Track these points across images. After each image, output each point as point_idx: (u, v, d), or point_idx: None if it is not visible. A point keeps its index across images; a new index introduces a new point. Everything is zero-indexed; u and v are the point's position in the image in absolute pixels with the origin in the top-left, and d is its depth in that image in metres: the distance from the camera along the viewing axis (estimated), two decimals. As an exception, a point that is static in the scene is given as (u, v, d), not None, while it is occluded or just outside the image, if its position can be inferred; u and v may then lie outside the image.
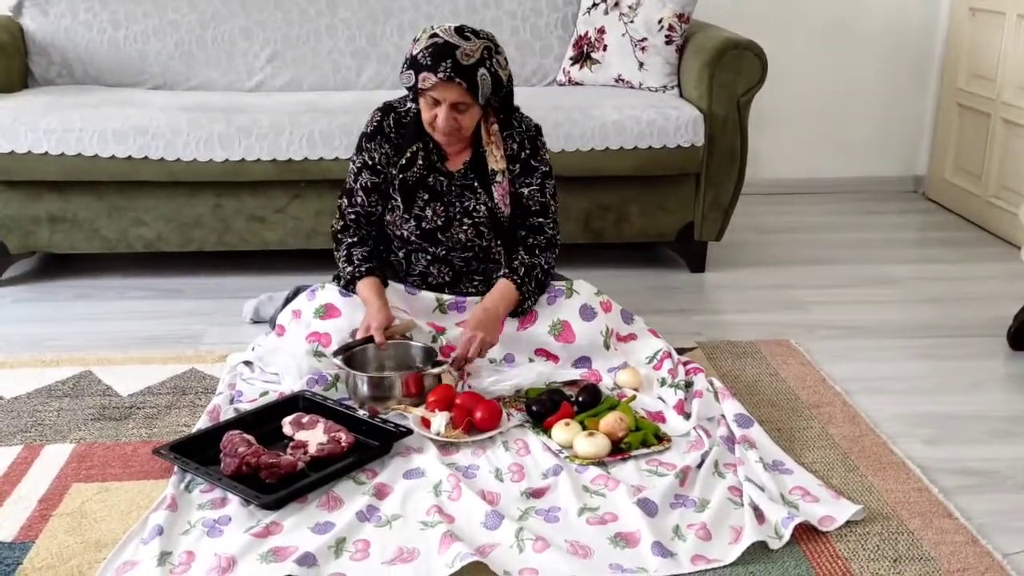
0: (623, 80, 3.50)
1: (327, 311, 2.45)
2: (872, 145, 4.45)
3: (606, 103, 3.24)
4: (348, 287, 2.47)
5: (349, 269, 2.46)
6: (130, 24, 3.47)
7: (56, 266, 3.34)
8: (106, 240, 3.14)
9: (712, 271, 3.40)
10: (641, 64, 3.45)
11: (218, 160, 3.02)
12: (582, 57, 3.59)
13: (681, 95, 3.42)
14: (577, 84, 3.61)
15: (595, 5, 3.56)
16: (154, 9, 3.49)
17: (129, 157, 2.99)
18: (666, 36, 3.41)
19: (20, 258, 3.21)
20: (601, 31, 3.53)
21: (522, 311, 2.48)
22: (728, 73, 3.19)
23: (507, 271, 2.46)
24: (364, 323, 2.36)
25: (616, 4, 3.51)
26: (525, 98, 3.02)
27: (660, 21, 3.41)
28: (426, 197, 2.47)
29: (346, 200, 2.52)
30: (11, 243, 3.11)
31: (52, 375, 2.48)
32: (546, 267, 2.50)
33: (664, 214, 3.31)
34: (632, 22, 3.45)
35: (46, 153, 2.97)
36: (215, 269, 3.30)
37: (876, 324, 2.95)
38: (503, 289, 2.44)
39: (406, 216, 2.48)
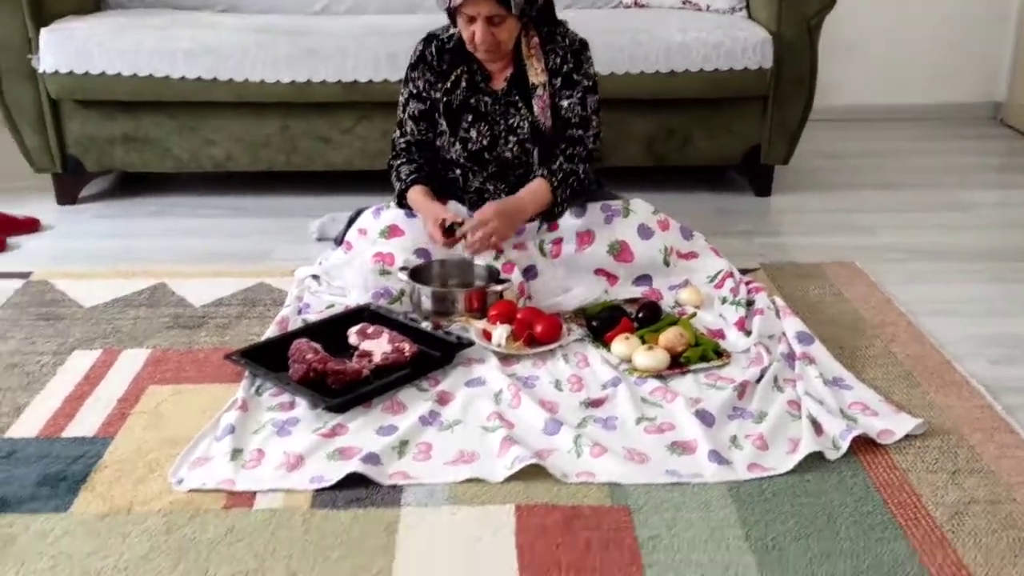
0: (690, 2, 3.44)
1: (391, 231, 2.49)
2: (949, 70, 4.32)
3: (672, 24, 3.19)
4: (400, 202, 2.52)
5: (398, 186, 2.52)
6: (199, -53, 3.50)
7: (131, 184, 3.44)
8: (178, 159, 3.21)
9: (778, 195, 3.36)
10: (709, -16, 3.38)
11: (285, 81, 3.06)
12: (649, -23, 3.52)
13: (750, 17, 3.35)
14: (643, 6, 3.55)
15: (663, -77, 3.49)
16: (223, -69, 3.51)
17: (199, 78, 3.04)
18: (736, -46, 3.33)
19: (97, 176, 3.32)
20: (669, -50, 3.46)
21: (551, 215, 2.50)
22: (799, -8, 3.11)
23: (545, 171, 2.46)
24: (428, 224, 2.42)
25: (685, -78, 3.43)
26: (589, 20, 3.01)
27: (730, -61, 3.33)
28: (470, 118, 2.50)
29: (397, 132, 2.58)
30: (88, 162, 3.20)
31: (128, 286, 2.57)
32: (583, 177, 2.49)
33: (730, 137, 3.27)
34: (701, -60, 3.38)
35: (119, 74, 3.03)
36: (283, 189, 3.36)
37: (946, 248, 2.90)
38: (537, 188, 2.45)
39: (452, 139, 2.51)
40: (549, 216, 2.51)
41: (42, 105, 3.10)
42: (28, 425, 1.94)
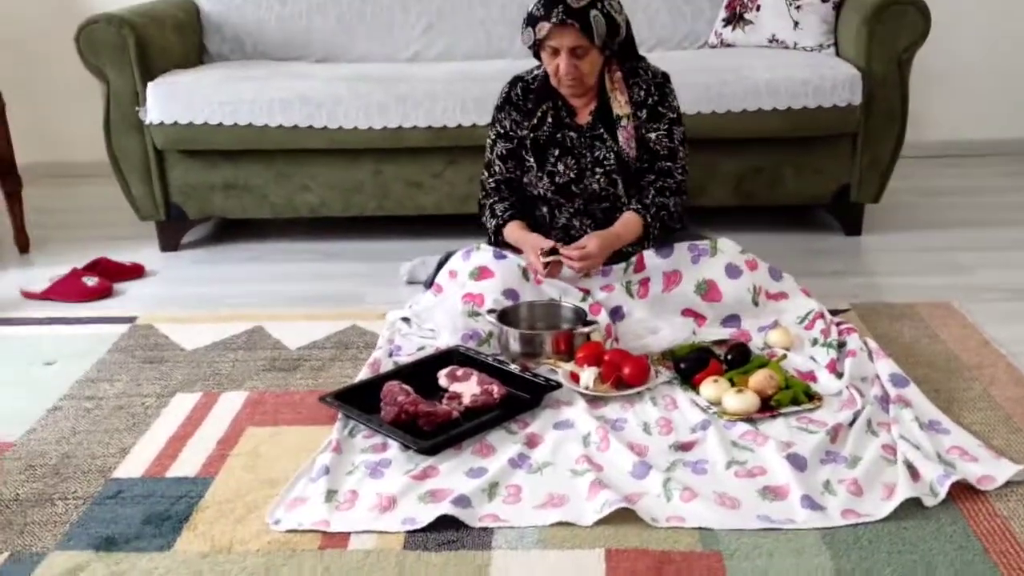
0: (777, 40, 3.43)
1: (481, 273, 2.53)
2: (1047, 103, 4.21)
3: (759, 63, 3.19)
4: (496, 238, 2.58)
5: (493, 222, 2.60)
6: (295, 1, 3.64)
7: (229, 230, 3.56)
8: (274, 206, 3.32)
9: (869, 234, 3.31)
10: (796, 23, 3.37)
11: (377, 128, 3.15)
12: (734, 18, 3.53)
13: (838, 54, 3.33)
14: (729, 46, 3.56)
15: (748, -36, 3.50)
16: (317, -14, 3.64)
17: (295, 126, 3.15)
18: (822, -7, 3.32)
19: (198, 223, 3.45)
20: (754, -10, 3.47)
21: (640, 247, 2.55)
22: (888, 29, 3.08)
23: (639, 206, 2.52)
24: (530, 254, 2.49)
25: (770, -38, 3.43)
26: (676, 61, 3.03)
27: (816, -22, 3.32)
28: (557, 153, 2.56)
29: (486, 172, 2.66)
30: (190, 209, 3.33)
31: (227, 330, 2.66)
32: (673, 211, 2.54)
33: (819, 176, 3.24)
34: (787, -20, 3.38)
35: (220, 124, 3.16)
36: (374, 233, 3.44)
37: (1046, 287, 2.82)
38: (630, 220, 2.51)
39: (540, 174, 2.56)
40: (637, 246, 2.55)
41: (148, 155, 3.24)
42: (134, 465, 2.02)
